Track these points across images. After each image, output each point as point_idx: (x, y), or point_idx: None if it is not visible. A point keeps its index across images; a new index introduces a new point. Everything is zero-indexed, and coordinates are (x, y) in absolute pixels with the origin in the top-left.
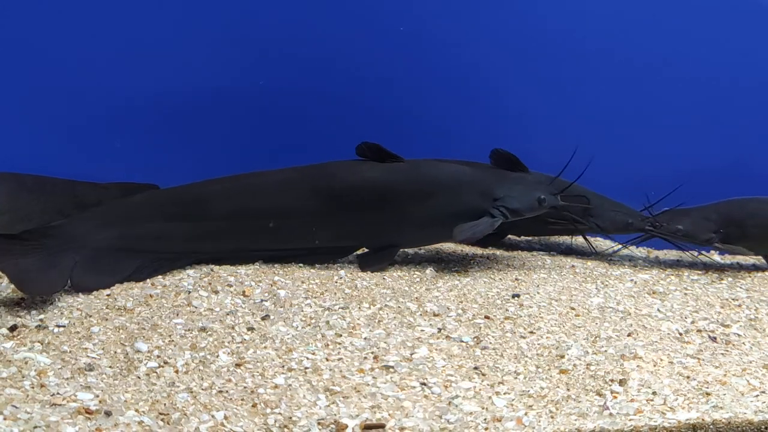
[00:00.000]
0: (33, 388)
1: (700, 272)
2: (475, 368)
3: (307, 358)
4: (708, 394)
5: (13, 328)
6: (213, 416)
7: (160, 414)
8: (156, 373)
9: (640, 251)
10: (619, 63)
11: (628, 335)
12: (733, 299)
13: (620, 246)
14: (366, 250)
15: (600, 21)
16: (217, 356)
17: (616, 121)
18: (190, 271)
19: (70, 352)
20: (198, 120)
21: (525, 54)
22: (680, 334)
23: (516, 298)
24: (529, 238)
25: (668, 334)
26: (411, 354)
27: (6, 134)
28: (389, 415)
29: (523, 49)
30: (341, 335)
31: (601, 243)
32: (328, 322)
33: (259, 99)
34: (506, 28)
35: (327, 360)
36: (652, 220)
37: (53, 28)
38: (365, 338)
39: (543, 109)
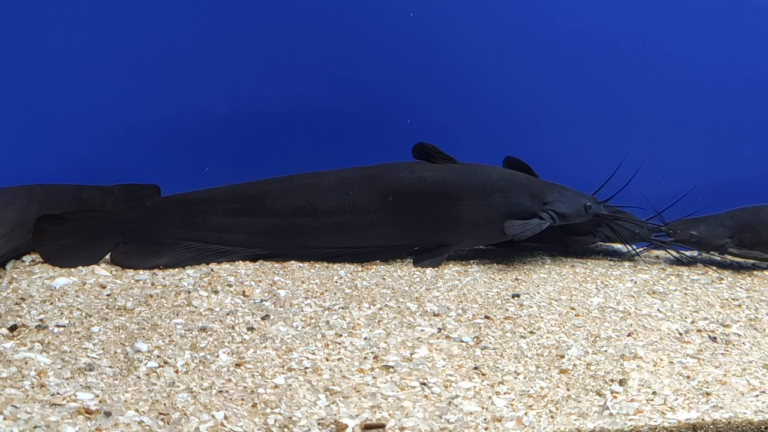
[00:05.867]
0: (33, 388)
1: (700, 272)
2: (475, 368)
3: (307, 358)
4: (708, 394)
5: (13, 328)
6: (213, 416)
7: (160, 414)
8: (156, 373)
9: (640, 251)
10: (640, 66)
11: (628, 335)
12: (733, 299)
13: (640, 250)
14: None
15: (620, 21)
16: (217, 356)
17: (633, 129)
18: (190, 271)
19: (70, 352)
20: (208, 129)
21: (540, 56)
22: (680, 334)
23: (516, 298)
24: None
25: (668, 334)
26: (411, 354)
27: (23, 137)
28: (389, 415)
29: (537, 50)
30: (341, 335)
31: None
32: (328, 322)
33: (262, 108)
34: (516, 29)
35: (327, 360)
36: (666, 227)
37: (66, 36)
38: (365, 338)
39: (556, 114)
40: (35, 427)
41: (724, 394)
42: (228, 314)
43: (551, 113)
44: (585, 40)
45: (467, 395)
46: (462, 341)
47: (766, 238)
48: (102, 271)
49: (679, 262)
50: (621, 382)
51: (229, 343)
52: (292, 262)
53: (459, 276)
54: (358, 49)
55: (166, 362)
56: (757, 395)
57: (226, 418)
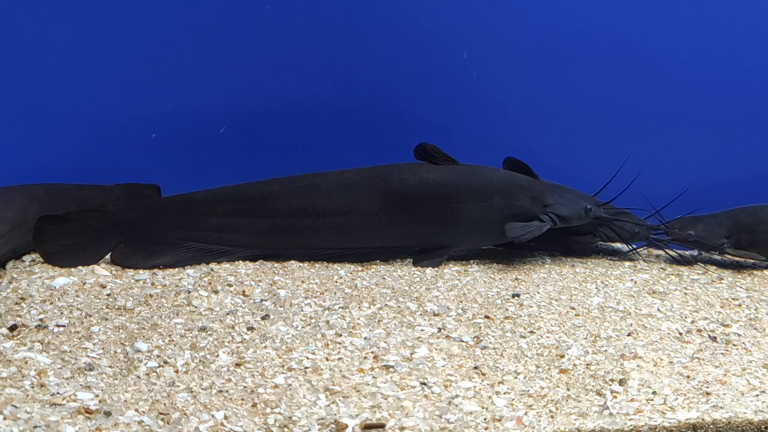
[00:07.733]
0: (33, 387)
1: (700, 272)
2: (475, 368)
3: (307, 358)
4: (708, 393)
5: (13, 328)
6: (213, 416)
7: (160, 414)
8: (156, 372)
9: (639, 250)
10: (639, 67)
11: (628, 335)
12: (733, 299)
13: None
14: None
15: (620, 22)
16: (217, 356)
17: (633, 129)
18: (190, 271)
19: (70, 351)
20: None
21: (540, 56)
22: (680, 333)
23: (516, 298)
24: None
25: (668, 333)
26: (411, 354)
27: (27, 136)
28: (389, 414)
29: (538, 50)
30: (341, 335)
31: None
32: (328, 322)
33: (261, 107)
34: (509, 27)
35: (327, 360)
36: (664, 226)
37: (71, 35)
38: (365, 338)
39: (556, 114)
40: (35, 426)
41: (724, 394)
42: (228, 314)
43: (551, 114)
44: (585, 40)
45: (467, 395)
46: (462, 341)
47: (764, 238)
48: (102, 270)
49: (676, 261)
50: (621, 382)
51: (229, 342)
52: (292, 262)
53: (459, 276)
54: (359, 49)
55: (166, 362)
56: (757, 395)
57: (226, 417)
